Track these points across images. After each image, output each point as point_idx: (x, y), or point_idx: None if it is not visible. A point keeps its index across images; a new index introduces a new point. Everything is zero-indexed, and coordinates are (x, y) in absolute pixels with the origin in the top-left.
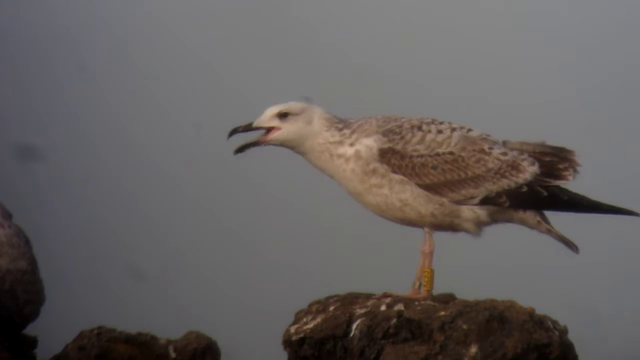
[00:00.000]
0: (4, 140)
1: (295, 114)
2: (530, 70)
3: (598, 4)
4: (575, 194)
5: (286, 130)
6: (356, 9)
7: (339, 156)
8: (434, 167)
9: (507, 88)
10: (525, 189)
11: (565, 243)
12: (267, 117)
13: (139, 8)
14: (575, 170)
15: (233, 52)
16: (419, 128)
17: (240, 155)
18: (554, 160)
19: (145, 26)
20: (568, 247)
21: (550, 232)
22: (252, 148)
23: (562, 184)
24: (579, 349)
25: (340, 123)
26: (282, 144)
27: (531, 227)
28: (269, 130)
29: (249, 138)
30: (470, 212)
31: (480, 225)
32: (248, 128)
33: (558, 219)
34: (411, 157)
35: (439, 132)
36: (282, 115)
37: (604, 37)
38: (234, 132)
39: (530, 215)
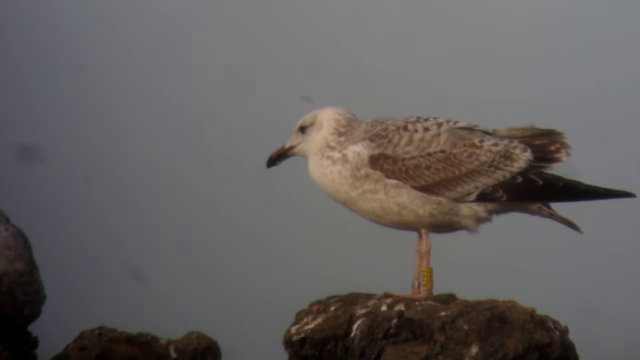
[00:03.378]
0: (4, 140)
1: (310, 125)
2: (530, 70)
3: (598, 3)
4: (570, 180)
5: (305, 144)
6: (357, 8)
7: (327, 158)
8: (428, 168)
9: (507, 87)
10: (520, 179)
11: (568, 225)
12: (294, 135)
13: (139, 7)
14: (566, 153)
15: (234, 51)
16: (405, 129)
17: (239, 155)
18: (544, 143)
19: (145, 25)
20: (572, 228)
21: (552, 216)
22: (283, 160)
23: (556, 165)
24: (579, 349)
25: (344, 127)
26: (303, 155)
27: (533, 213)
28: None
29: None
30: (468, 209)
31: (479, 221)
32: (281, 152)
33: (561, 214)
34: (403, 160)
35: (426, 130)
36: (302, 129)
37: (605, 36)
38: (273, 162)
39: (531, 203)
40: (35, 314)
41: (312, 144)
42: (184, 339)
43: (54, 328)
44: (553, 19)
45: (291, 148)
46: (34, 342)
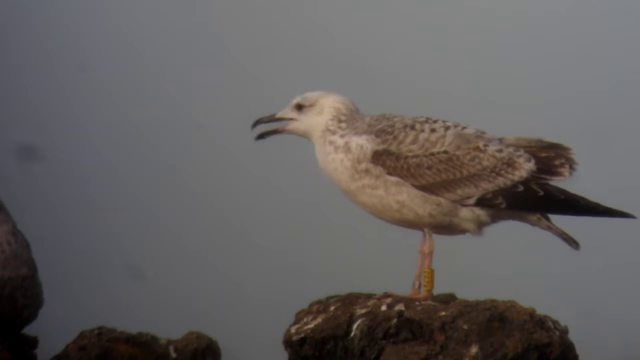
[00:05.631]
0: (4, 140)
1: (310, 106)
2: (530, 71)
3: (598, 3)
4: (573, 194)
5: (299, 122)
6: (358, 7)
7: (330, 143)
8: (429, 167)
9: (507, 88)
10: (521, 188)
11: (565, 240)
12: (288, 108)
13: (139, 7)
14: (572, 168)
15: (234, 51)
16: (412, 127)
17: (240, 155)
18: (549, 156)
19: (145, 25)
20: (568, 243)
21: (550, 228)
22: (273, 136)
23: (558, 180)
24: (579, 349)
25: (345, 115)
26: (296, 134)
27: (532, 223)
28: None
29: (270, 125)
30: (469, 211)
31: (480, 224)
32: (271, 119)
33: (558, 221)
34: (406, 157)
35: (433, 130)
36: (299, 107)
37: (604, 36)
38: (258, 122)
39: (530, 213)
40: (32, 317)
41: (311, 126)
42: (184, 339)
43: (53, 328)
44: (554, 21)
45: (284, 122)
46: (33, 342)
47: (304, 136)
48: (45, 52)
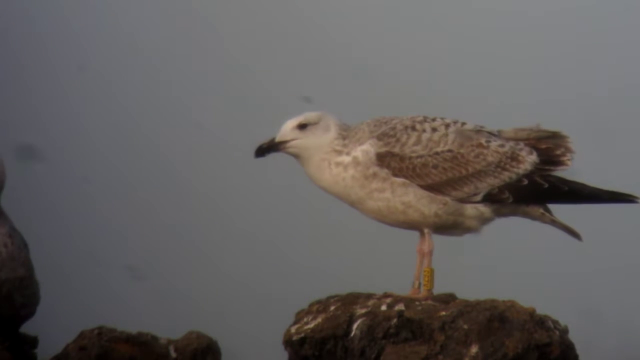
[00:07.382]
0: (4, 140)
1: (314, 124)
2: (530, 70)
3: (598, 3)
4: (575, 183)
5: (304, 140)
6: (358, 7)
7: (337, 164)
8: (435, 167)
9: (507, 88)
10: (526, 182)
11: (569, 232)
12: (287, 130)
13: (139, 8)
14: (571, 157)
15: (233, 51)
16: (413, 128)
17: (239, 156)
18: (550, 147)
19: (145, 25)
20: (572, 236)
21: (554, 222)
22: (272, 153)
23: (562, 169)
24: (579, 349)
25: (345, 131)
26: (299, 153)
27: (535, 218)
28: None
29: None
30: (473, 209)
31: (484, 221)
32: (271, 145)
33: (562, 217)
34: (411, 158)
35: (434, 130)
36: (302, 126)
37: (604, 36)
38: (260, 152)
39: (533, 208)
40: (30, 315)
41: (317, 143)
42: (184, 339)
43: (54, 328)
44: (554, 21)
45: (284, 142)
46: (33, 342)
47: (304, 154)
48: (45, 52)
